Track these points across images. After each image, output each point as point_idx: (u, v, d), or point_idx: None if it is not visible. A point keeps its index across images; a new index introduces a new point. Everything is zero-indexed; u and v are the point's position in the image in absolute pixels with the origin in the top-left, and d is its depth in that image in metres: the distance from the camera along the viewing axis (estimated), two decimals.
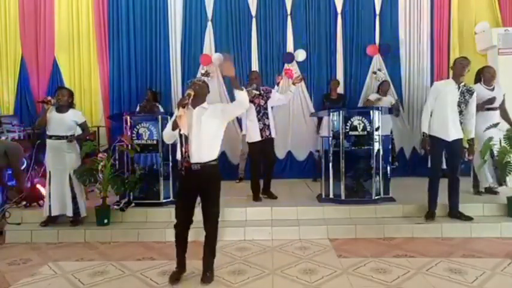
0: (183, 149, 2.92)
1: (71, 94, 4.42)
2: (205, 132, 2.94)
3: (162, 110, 6.17)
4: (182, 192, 3.08)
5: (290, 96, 5.16)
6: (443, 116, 4.07)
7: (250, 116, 4.80)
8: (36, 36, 6.75)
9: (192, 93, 2.91)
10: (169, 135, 3.04)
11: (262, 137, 4.77)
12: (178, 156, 3.02)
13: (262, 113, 4.79)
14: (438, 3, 6.69)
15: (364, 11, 6.75)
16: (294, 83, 5.02)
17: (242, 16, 6.78)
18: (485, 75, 4.82)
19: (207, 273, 3.05)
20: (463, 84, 4.10)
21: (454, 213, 4.19)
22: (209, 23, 6.78)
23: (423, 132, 4.20)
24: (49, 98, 4.27)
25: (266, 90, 4.92)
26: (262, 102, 4.81)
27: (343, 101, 6.37)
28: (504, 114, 4.82)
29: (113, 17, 6.79)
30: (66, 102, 4.32)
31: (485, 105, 4.62)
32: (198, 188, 2.99)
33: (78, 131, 4.48)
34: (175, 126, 2.89)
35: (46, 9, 6.74)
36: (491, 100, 4.64)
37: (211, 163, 2.96)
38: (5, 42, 6.71)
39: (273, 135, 4.89)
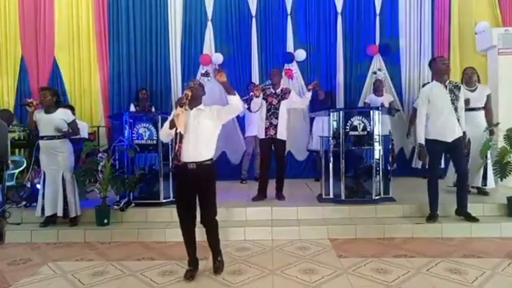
0: (176, 147, 3.02)
1: (54, 93, 4.34)
2: (202, 133, 3.03)
3: (153, 110, 6.23)
4: (180, 191, 3.15)
5: (307, 102, 5.01)
6: (441, 119, 4.01)
7: (262, 113, 4.81)
8: (36, 36, 6.75)
9: (190, 93, 2.98)
10: (166, 133, 3.12)
11: (266, 135, 4.77)
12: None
13: (271, 112, 4.76)
14: (438, 3, 6.69)
15: (364, 11, 6.76)
16: (308, 90, 4.92)
17: (242, 16, 6.79)
18: (463, 77, 4.92)
19: (217, 261, 3.20)
20: (448, 82, 4.06)
21: (462, 212, 4.15)
22: (209, 23, 6.79)
23: (419, 144, 4.14)
24: (30, 100, 4.22)
25: (284, 91, 4.85)
26: (274, 102, 4.77)
27: (330, 101, 6.32)
28: (488, 114, 4.83)
29: (113, 17, 6.80)
30: (50, 102, 4.25)
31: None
32: (194, 186, 3.05)
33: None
34: (172, 124, 2.98)
35: (46, 9, 6.74)
36: (466, 102, 4.49)
37: (206, 162, 3.04)
38: (5, 42, 6.71)
39: (280, 136, 4.75)
